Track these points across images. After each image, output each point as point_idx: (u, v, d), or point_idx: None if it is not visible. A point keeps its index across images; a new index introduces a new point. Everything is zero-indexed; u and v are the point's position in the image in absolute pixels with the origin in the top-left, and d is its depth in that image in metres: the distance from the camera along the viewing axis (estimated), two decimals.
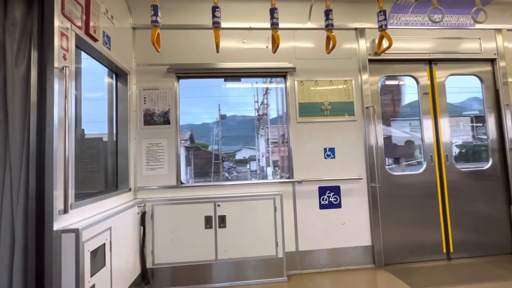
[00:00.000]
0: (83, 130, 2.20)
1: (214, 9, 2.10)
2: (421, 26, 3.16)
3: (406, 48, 3.15)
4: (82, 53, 2.10)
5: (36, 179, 1.56)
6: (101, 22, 2.15)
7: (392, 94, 3.42)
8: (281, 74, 3.03)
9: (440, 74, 3.24)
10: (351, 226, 2.91)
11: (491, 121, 3.26)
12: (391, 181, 3.05)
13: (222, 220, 2.65)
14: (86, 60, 2.18)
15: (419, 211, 3.04)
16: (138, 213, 2.54)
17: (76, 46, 1.87)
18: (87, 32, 1.95)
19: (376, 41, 2.76)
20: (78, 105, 2.11)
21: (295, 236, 2.85)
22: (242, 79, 3.28)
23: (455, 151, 3.29)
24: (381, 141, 3.06)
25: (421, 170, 3.13)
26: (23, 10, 1.60)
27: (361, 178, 2.95)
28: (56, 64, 1.61)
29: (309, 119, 2.98)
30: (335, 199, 2.92)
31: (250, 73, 3.03)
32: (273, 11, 2.16)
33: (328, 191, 2.92)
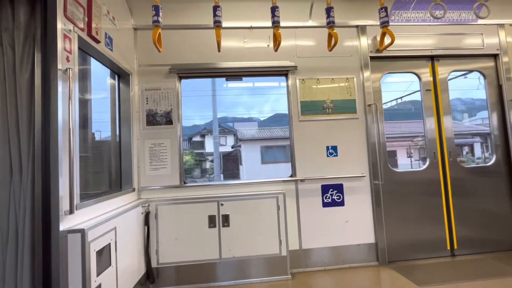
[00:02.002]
0: (93, 133, 2.23)
1: (215, 8, 2.11)
2: (423, 23, 3.14)
3: (408, 44, 3.14)
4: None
5: (42, 180, 1.57)
6: (103, 23, 2.16)
7: None
8: (282, 72, 3.03)
9: (442, 70, 3.23)
10: (354, 224, 2.91)
11: (494, 117, 3.24)
12: (394, 178, 3.04)
13: (226, 219, 2.66)
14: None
15: (423, 208, 3.04)
16: (142, 213, 2.56)
17: (79, 48, 1.88)
18: (89, 34, 1.96)
19: (378, 38, 2.75)
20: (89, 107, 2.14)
21: (298, 235, 2.85)
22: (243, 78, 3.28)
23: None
24: (383, 138, 3.05)
25: (424, 167, 3.12)
26: (26, 13, 1.61)
27: (364, 176, 2.95)
28: (59, 66, 1.62)
29: (311, 117, 2.98)
30: (338, 197, 2.92)
31: (251, 72, 3.03)
32: (274, 9, 2.16)
33: (331, 189, 2.92)
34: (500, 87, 3.24)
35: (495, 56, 3.27)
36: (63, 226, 1.57)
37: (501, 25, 3.23)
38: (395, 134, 3.44)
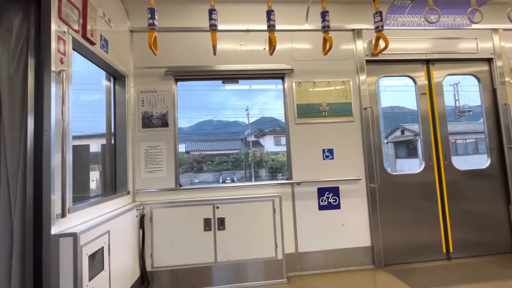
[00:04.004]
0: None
1: (211, 11, 2.11)
2: (418, 27, 3.17)
3: (403, 48, 3.16)
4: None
5: (34, 183, 1.55)
6: (98, 25, 2.16)
7: None
8: (279, 75, 3.04)
9: (437, 74, 3.25)
10: (350, 227, 2.91)
11: (488, 121, 3.27)
12: (390, 181, 3.05)
13: (221, 222, 2.65)
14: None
15: (418, 211, 3.04)
16: (137, 216, 2.54)
17: (74, 50, 1.88)
18: (84, 36, 1.95)
19: (373, 42, 2.76)
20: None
21: (294, 238, 2.84)
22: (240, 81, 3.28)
23: None
24: (379, 142, 3.06)
25: (420, 170, 3.13)
26: (19, 16, 1.60)
27: (360, 179, 2.95)
28: (53, 68, 1.61)
29: (307, 120, 2.98)
30: (334, 200, 2.92)
31: (247, 75, 3.04)
32: (269, 13, 2.17)
33: (327, 192, 2.92)
34: (494, 91, 3.27)
35: (489, 60, 3.30)
36: (54, 229, 1.55)
37: (495, 30, 3.27)
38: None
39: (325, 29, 2.24)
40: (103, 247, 1.86)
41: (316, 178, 2.91)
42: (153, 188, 2.75)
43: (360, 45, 3.09)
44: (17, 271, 1.47)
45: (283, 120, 3.06)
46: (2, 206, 1.50)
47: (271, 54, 2.29)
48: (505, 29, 3.28)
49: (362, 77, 3.06)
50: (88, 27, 1.98)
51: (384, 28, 2.30)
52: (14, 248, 1.47)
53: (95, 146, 2.50)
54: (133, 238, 2.45)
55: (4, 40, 1.56)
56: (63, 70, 1.66)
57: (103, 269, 1.85)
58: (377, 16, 2.25)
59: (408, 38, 3.17)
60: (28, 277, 1.51)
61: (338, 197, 2.92)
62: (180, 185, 2.82)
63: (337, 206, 2.91)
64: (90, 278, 1.68)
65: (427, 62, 3.25)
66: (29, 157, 1.55)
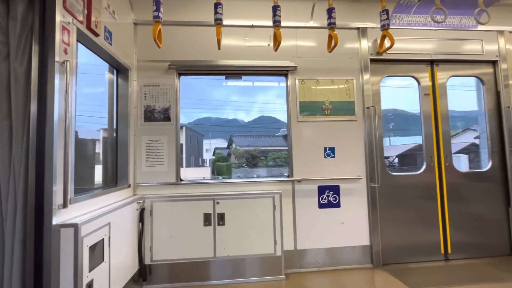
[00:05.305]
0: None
1: (217, 5, 2.10)
2: (424, 27, 3.15)
3: (408, 48, 3.15)
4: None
5: (36, 173, 1.55)
6: (102, 17, 2.14)
7: None
8: (282, 72, 3.02)
9: (441, 75, 3.24)
10: (349, 226, 2.91)
11: (491, 123, 3.26)
12: (390, 181, 3.05)
13: (221, 218, 2.65)
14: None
15: (418, 211, 3.05)
16: (137, 209, 2.54)
17: (78, 41, 1.86)
18: (88, 27, 1.94)
19: (378, 41, 2.75)
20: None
21: (293, 235, 2.85)
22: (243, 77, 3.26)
23: None
24: (381, 141, 3.06)
25: (421, 170, 3.13)
26: (24, 4, 1.59)
27: (361, 178, 2.95)
28: (57, 58, 1.60)
29: (310, 118, 2.97)
30: (334, 199, 2.92)
31: (251, 71, 3.03)
32: (275, 8, 2.15)
33: (328, 191, 2.92)
34: (498, 94, 3.26)
35: (494, 63, 3.29)
36: (56, 220, 1.55)
37: (501, 32, 3.25)
38: None
39: (331, 26, 2.22)
40: (103, 238, 1.87)
41: (317, 176, 2.91)
42: (154, 182, 2.76)
43: (365, 44, 3.07)
44: (18, 260, 1.48)
45: (281, 119, 3.05)
46: (4, 195, 1.50)
47: (276, 50, 2.28)
48: (511, 32, 3.26)
49: (366, 76, 3.05)
50: (93, 18, 1.97)
51: (390, 27, 2.28)
52: (15, 238, 1.48)
53: (96, 137, 2.50)
54: (133, 231, 2.46)
55: (9, 28, 1.55)
56: (67, 61, 1.65)
57: (103, 260, 1.85)
58: (383, 14, 2.23)
59: (413, 38, 3.15)
60: (29, 266, 1.51)
61: (338, 195, 2.93)
62: (181, 180, 2.82)
63: (337, 205, 2.92)
64: (90, 269, 1.69)
65: (432, 62, 3.23)
66: (31, 147, 1.54)
